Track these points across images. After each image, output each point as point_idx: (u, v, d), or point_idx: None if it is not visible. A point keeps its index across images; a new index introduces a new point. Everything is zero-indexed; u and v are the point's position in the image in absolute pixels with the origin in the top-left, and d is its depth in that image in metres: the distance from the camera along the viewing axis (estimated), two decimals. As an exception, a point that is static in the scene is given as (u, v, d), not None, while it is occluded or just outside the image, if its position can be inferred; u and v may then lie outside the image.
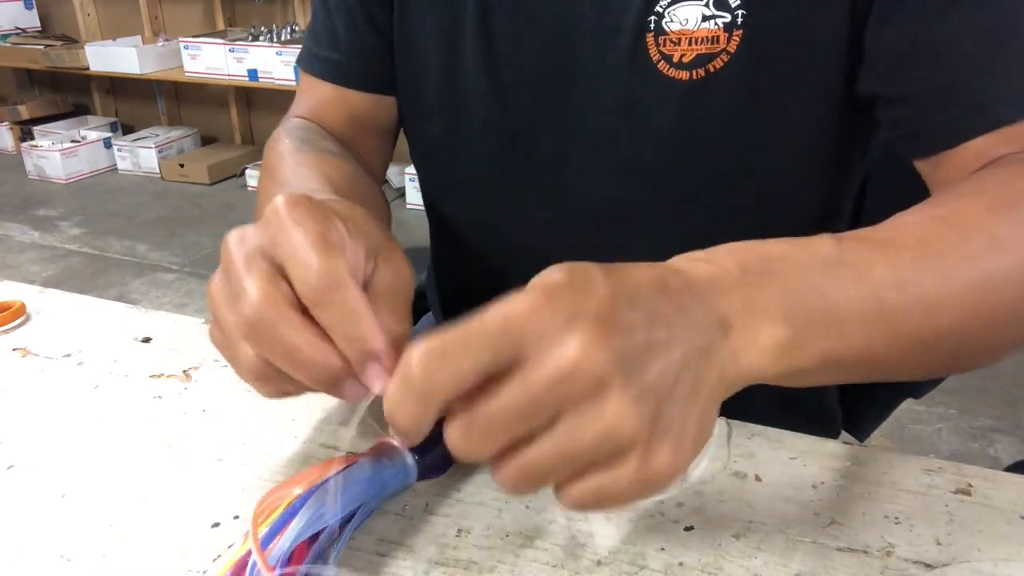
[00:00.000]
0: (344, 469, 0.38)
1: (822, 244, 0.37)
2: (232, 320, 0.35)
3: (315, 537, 0.36)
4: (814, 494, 0.44)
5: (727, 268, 0.34)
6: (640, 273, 0.32)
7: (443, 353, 0.29)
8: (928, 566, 0.39)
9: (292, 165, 0.56)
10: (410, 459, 0.40)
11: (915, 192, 0.52)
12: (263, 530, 0.35)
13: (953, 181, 0.49)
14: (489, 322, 0.29)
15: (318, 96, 0.66)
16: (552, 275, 0.30)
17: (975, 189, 0.44)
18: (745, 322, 0.33)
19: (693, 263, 0.35)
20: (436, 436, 0.42)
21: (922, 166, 0.52)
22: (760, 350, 0.33)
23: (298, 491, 0.37)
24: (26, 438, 0.50)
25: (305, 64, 0.67)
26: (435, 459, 0.42)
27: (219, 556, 0.40)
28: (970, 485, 0.44)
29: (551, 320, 0.29)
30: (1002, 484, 0.45)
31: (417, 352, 0.29)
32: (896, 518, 0.42)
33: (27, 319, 0.64)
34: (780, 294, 0.34)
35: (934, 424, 1.76)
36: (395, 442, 0.40)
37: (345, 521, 0.38)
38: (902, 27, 0.49)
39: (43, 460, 0.48)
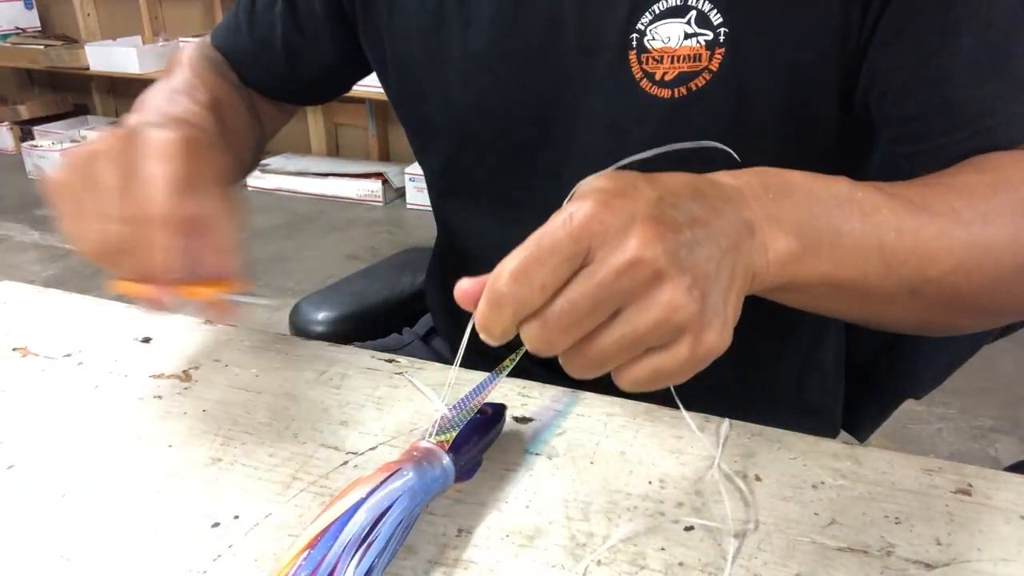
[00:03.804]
0: (390, 476, 0.38)
1: (838, 182, 0.41)
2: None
3: (366, 549, 0.36)
4: (814, 494, 0.44)
5: (752, 184, 0.39)
6: (678, 180, 0.36)
7: (526, 272, 0.32)
8: (928, 566, 0.39)
9: (188, 76, 0.62)
10: (448, 460, 0.40)
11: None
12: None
13: None
14: (558, 234, 0.32)
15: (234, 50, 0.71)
16: (600, 183, 0.34)
17: (980, 167, 0.47)
18: (764, 228, 0.37)
19: (722, 176, 0.39)
20: (469, 437, 0.43)
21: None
22: (774, 255, 0.37)
23: (356, 493, 0.37)
24: (26, 438, 0.50)
25: (220, 40, 0.71)
26: (470, 460, 0.43)
27: (219, 556, 0.40)
28: (970, 485, 0.44)
29: (611, 222, 0.32)
30: (1002, 484, 0.45)
31: (503, 274, 0.32)
32: (896, 518, 0.42)
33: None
34: (795, 212, 0.39)
35: (934, 424, 1.76)
36: (429, 445, 0.41)
37: (399, 538, 0.38)
38: (906, 50, 0.49)
39: (43, 460, 0.48)
